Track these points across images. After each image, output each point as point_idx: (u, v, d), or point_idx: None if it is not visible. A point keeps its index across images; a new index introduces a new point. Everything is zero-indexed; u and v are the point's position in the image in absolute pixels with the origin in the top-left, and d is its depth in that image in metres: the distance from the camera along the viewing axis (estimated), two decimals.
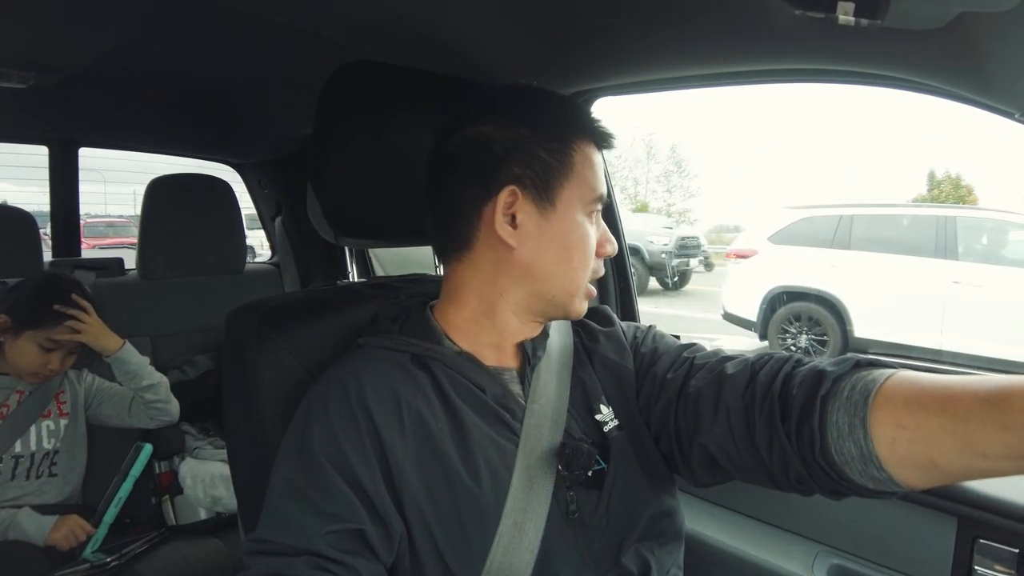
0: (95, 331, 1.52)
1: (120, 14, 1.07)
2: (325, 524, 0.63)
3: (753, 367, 0.72)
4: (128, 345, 1.58)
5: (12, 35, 1.17)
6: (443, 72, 0.98)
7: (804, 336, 5.60)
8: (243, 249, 2.04)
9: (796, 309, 5.67)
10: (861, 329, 5.31)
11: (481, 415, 0.74)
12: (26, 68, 1.30)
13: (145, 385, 1.58)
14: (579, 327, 0.89)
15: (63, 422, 1.56)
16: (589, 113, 0.81)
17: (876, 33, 0.70)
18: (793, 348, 5.50)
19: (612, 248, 0.80)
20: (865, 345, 5.26)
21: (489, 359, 0.79)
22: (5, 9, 1.04)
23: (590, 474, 0.73)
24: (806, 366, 0.69)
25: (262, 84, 1.50)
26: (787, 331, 5.72)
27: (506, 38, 1.02)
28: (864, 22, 0.65)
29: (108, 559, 1.39)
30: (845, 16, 0.63)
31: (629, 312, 1.39)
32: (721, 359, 0.77)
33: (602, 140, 0.80)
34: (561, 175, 0.75)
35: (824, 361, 0.68)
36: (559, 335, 0.85)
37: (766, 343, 5.74)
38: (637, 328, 0.90)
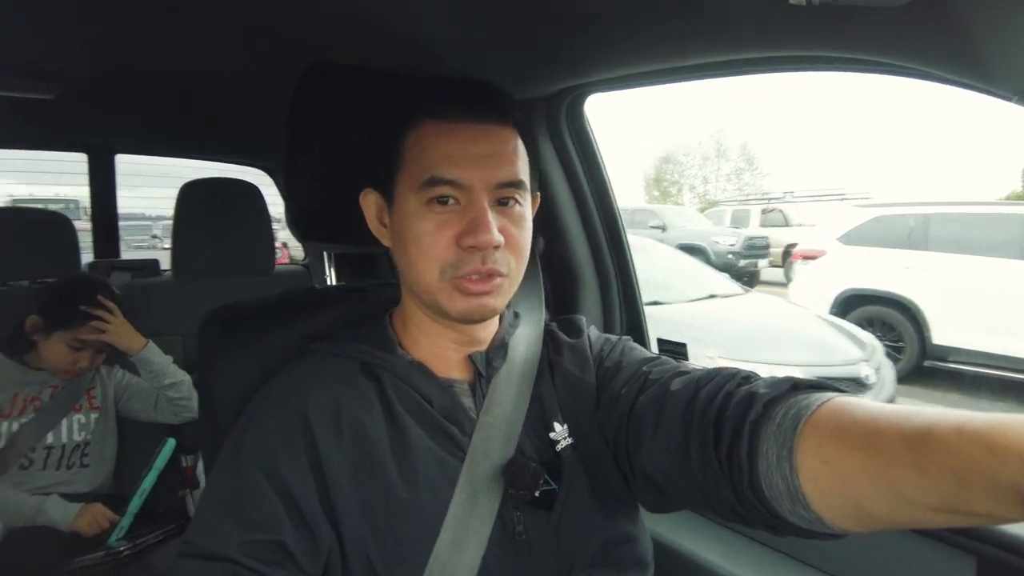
0: (119, 331, 1.60)
1: (133, 22, 1.10)
2: (245, 533, 0.62)
3: (698, 383, 0.66)
4: (151, 345, 1.64)
5: (31, 48, 1.23)
6: (413, 73, 0.95)
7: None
8: (271, 251, 2.09)
9: (869, 313, 5.31)
10: (940, 335, 4.91)
11: (425, 427, 0.71)
12: (48, 79, 1.37)
13: (167, 383, 1.65)
14: (548, 337, 0.84)
15: (93, 416, 1.64)
16: (430, 87, 0.74)
17: (856, 16, 0.63)
18: None
19: (476, 239, 0.66)
20: (944, 353, 4.88)
21: (441, 370, 0.76)
22: (24, 23, 1.09)
23: (537, 494, 0.69)
24: (748, 385, 0.62)
25: (282, 90, 1.53)
26: None
27: (478, 36, 0.98)
28: (816, 2, 0.59)
29: (122, 548, 1.45)
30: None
31: (635, 325, 1.32)
32: (673, 374, 0.71)
33: (446, 111, 0.70)
34: (394, 164, 0.72)
35: (762, 381, 0.62)
36: (525, 346, 0.81)
37: None
38: (607, 340, 0.84)
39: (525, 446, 0.73)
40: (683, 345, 1.29)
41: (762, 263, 9.79)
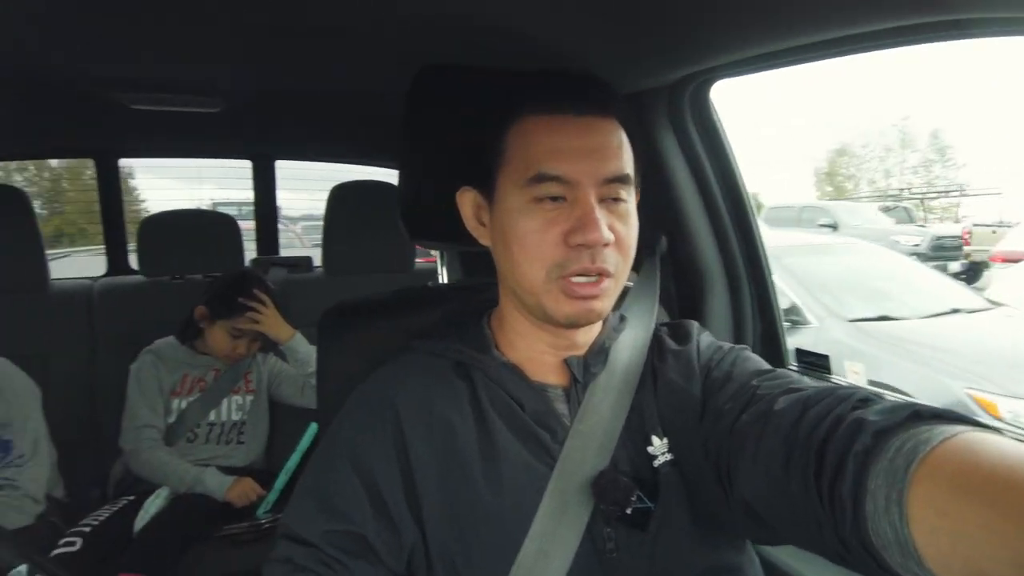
0: (271, 322, 1.75)
1: (282, 43, 1.19)
2: (329, 522, 0.64)
3: (806, 403, 0.57)
4: (298, 335, 1.78)
5: (199, 68, 1.38)
6: (524, 69, 0.93)
7: None
8: (411, 250, 2.18)
9: None
10: None
11: (515, 432, 0.69)
12: (214, 95, 1.53)
13: (311, 371, 1.78)
14: (654, 343, 0.78)
15: (249, 398, 1.82)
16: (535, 80, 0.71)
17: None
18: None
19: (586, 237, 0.63)
20: None
21: (535, 373, 0.73)
22: (191, 46, 1.22)
23: (629, 511, 0.65)
24: (862, 410, 0.52)
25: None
26: None
27: (592, 28, 0.94)
28: None
29: (265, 521, 1.58)
30: None
31: (770, 334, 1.19)
32: (784, 391, 0.61)
33: (552, 104, 0.67)
34: (496, 160, 0.69)
35: (879, 405, 0.51)
36: (629, 352, 0.76)
37: None
38: (718, 348, 0.76)
39: (620, 459, 0.69)
40: (825, 358, 1.14)
41: (953, 266, 8.59)
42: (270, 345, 1.85)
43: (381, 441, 0.68)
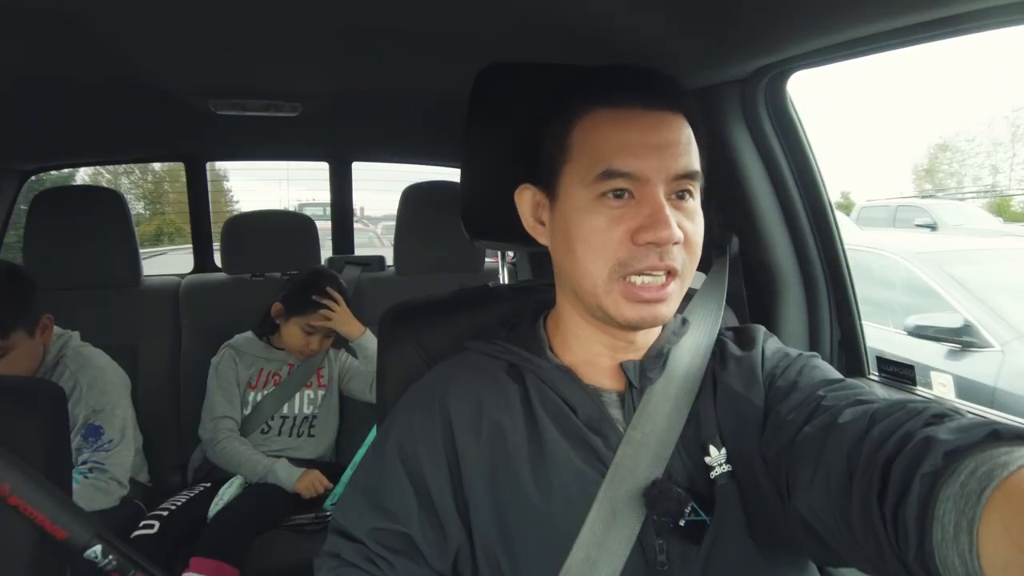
0: (342, 319, 1.80)
1: (359, 49, 1.23)
2: (377, 519, 0.66)
3: (874, 416, 0.52)
4: (368, 332, 1.82)
5: (279, 73, 1.43)
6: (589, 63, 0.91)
7: None
8: (480, 250, 2.19)
9: None
10: None
11: (567, 436, 0.67)
12: (293, 99, 1.58)
13: None
14: (717, 348, 0.74)
15: (321, 393, 1.87)
16: (602, 75, 0.68)
17: None
18: None
19: (656, 235, 0.61)
20: None
21: (590, 377, 0.71)
22: (272, 54, 1.28)
23: (682, 523, 0.62)
24: (935, 426, 0.47)
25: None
26: None
27: (660, 21, 0.90)
28: None
29: (328, 512, 1.62)
30: None
31: (850, 341, 1.11)
32: (851, 402, 0.57)
33: (620, 99, 0.65)
34: (559, 157, 0.67)
35: (954, 423, 0.46)
36: (690, 357, 0.73)
37: None
38: (785, 355, 0.71)
39: (675, 468, 0.66)
40: (910, 368, 1.05)
41: None
42: (341, 341, 1.90)
43: (431, 442, 0.68)
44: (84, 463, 1.53)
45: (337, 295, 1.81)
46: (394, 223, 2.15)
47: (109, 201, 1.96)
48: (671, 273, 0.64)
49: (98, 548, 0.80)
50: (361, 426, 1.92)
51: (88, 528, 0.80)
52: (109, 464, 1.55)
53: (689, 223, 0.65)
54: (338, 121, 1.92)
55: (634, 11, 0.92)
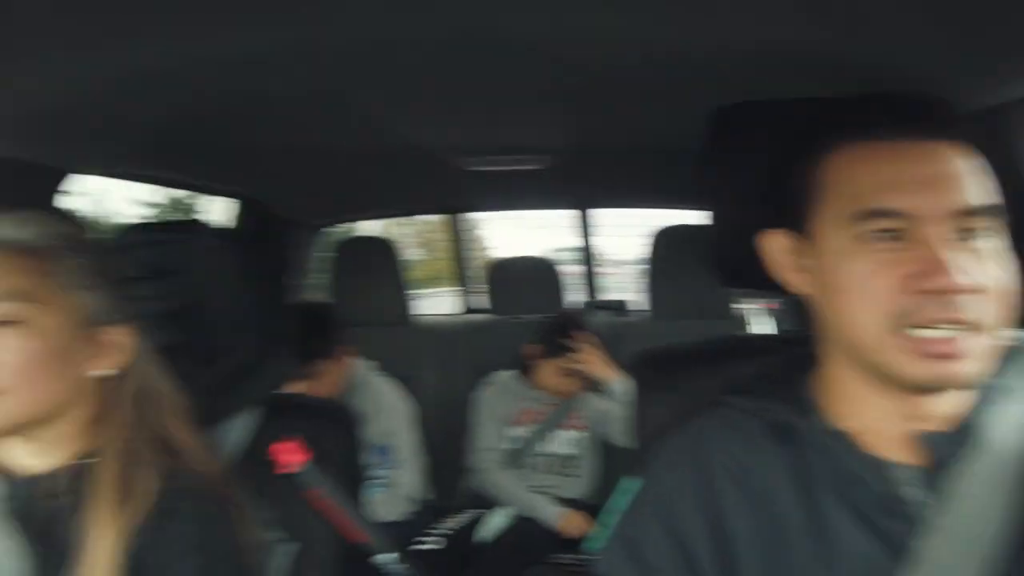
0: (593, 363, 1.83)
1: (598, 98, 1.27)
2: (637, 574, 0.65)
3: None
4: (621, 378, 1.83)
5: (525, 130, 1.54)
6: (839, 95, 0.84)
7: None
8: (729, 296, 2.09)
9: None
10: None
11: (853, 514, 0.60)
12: (537, 152, 1.69)
13: None
14: None
15: (579, 434, 1.94)
16: (857, 105, 0.63)
17: None
18: None
19: (934, 282, 0.53)
20: None
21: (872, 445, 0.62)
22: (519, 112, 1.39)
23: None
24: None
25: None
26: None
27: (935, 34, 0.79)
28: None
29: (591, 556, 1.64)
30: None
31: None
32: None
33: (881, 130, 0.59)
34: (811, 197, 0.61)
35: None
36: (1015, 433, 0.60)
37: None
38: None
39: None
40: None
41: None
42: (595, 385, 1.94)
43: (693, 504, 0.65)
44: (376, 478, 1.76)
45: (585, 340, 1.86)
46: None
47: (381, 248, 2.25)
48: (966, 326, 0.54)
49: (393, 556, 0.92)
50: (628, 470, 1.91)
51: (382, 535, 0.92)
52: (398, 481, 1.77)
53: (983, 267, 0.55)
54: (580, 171, 1.99)
55: (902, 34, 0.81)
